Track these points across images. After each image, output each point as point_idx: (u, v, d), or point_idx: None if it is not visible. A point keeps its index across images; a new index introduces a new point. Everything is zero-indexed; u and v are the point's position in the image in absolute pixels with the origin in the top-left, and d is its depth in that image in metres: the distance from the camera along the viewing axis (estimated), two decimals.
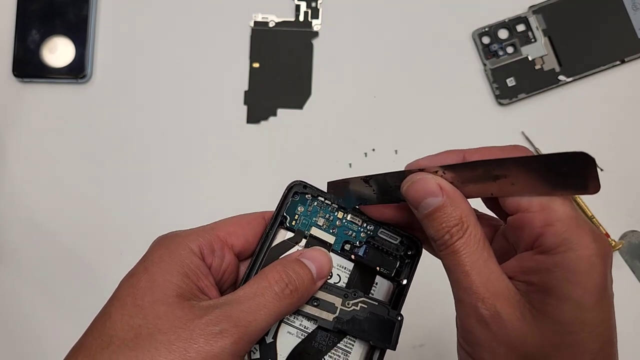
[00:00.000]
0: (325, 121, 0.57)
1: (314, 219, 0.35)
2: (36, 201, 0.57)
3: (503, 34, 0.57)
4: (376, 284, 0.34)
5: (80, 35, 0.57)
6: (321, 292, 0.33)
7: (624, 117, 0.56)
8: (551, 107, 0.56)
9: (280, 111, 0.57)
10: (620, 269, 0.54)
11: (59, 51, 0.57)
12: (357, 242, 0.34)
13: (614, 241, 0.54)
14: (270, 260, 0.33)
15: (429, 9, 0.58)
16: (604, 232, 0.54)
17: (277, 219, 0.34)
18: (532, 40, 0.56)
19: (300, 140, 0.57)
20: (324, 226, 0.35)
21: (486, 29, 0.57)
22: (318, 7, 0.58)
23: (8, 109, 0.58)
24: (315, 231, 0.34)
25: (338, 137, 0.57)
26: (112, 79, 0.58)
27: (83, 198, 0.57)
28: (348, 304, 0.33)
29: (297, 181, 0.35)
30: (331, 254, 0.34)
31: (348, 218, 0.35)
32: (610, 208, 0.55)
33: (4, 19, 0.58)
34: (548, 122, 0.56)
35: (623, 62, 0.56)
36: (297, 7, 0.58)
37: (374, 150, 0.56)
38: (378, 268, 0.34)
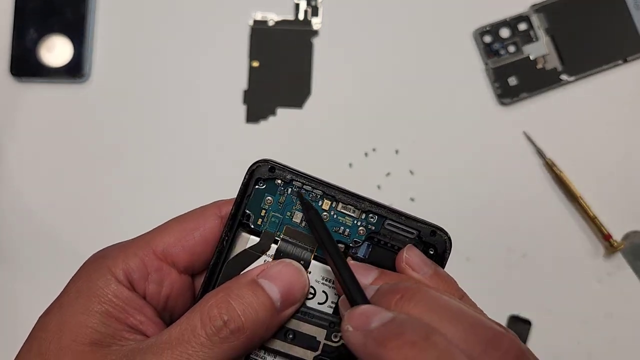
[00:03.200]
0: (325, 120, 0.57)
1: (288, 213, 0.26)
2: (34, 201, 0.56)
3: (504, 32, 0.56)
4: None
5: (78, 34, 0.57)
6: (296, 321, 0.25)
7: (626, 117, 0.56)
8: (553, 107, 0.56)
9: (279, 110, 0.57)
10: (622, 269, 0.54)
11: (56, 50, 0.57)
12: (354, 241, 0.26)
13: (616, 242, 0.54)
14: (226, 280, 0.25)
15: (429, 7, 0.57)
16: (606, 232, 0.53)
17: (236, 220, 0.26)
18: (534, 39, 0.56)
19: (300, 140, 0.56)
20: (303, 224, 0.26)
21: (487, 28, 0.56)
22: (318, 5, 0.57)
23: (5, 109, 0.57)
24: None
25: (338, 136, 0.56)
26: (110, 78, 0.58)
27: (81, 198, 0.56)
28: (335, 337, 0.25)
29: (261, 161, 0.27)
30: (313, 263, 0.26)
31: (338, 208, 0.26)
32: (613, 208, 0.55)
33: (2, 17, 0.58)
34: (550, 122, 0.56)
35: (625, 61, 0.56)
36: (297, 6, 0.57)
37: (374, 150, 0.56)
38: None
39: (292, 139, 0.56)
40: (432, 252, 0.26)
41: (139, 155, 0.57)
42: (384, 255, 0.26)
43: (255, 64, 0.57)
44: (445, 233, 0.26)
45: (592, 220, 0.54)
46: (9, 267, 0.56)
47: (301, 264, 0.26)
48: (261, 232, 0.26)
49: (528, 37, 0.56)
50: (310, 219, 0.25)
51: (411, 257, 0.25)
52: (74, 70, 0.56)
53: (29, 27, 0.57)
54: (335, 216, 0.26)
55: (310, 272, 0.26)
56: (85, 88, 0.57)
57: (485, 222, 0.55)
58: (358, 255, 0.26)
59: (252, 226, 0.26)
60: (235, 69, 0.57)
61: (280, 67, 0.57)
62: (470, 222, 0.55)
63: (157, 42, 0.58)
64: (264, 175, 0.26)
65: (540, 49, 0.56)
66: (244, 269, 0.25)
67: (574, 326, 0.54)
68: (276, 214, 0.26)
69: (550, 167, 0.55)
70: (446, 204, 0.55)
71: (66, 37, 0.57)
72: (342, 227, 0.26)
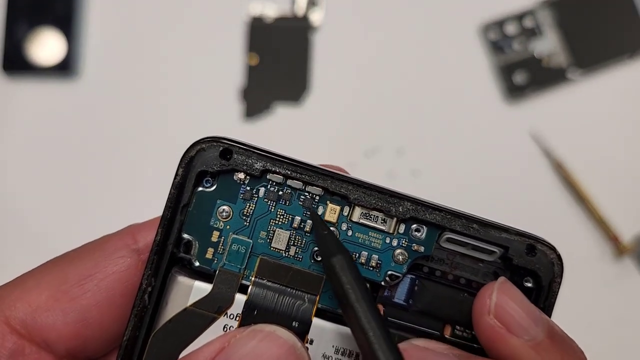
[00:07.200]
0: (325, 119, 0.56)
1: (263, 233, 0.15)
2: (26, 201, 0.55)
3: (511, 29, 0.55)
4: None
5: (71, 30, 0.56)
6: None
7: (635, 115, 0.55)
8: (560, 105, 0.55)
9: (278, 109, 0.56)
10: (631, 272, 0.53)
11: (49, 46, 0.56)
12: (387, 275, 0.15)
13: (624, 245, 0.52)
14: None
15: (434, 3, 0.56)
16: (614, 235, 0.52)
17: (164, 253, 0.16)
18: (541, 35, 0.55)
19: (298, 139, 0.55)
20: (293, 251, 0.15)
21: (493, 24, 0.55)
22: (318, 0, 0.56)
23: None
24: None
25: (338, 135, 0.55)
26: (103, 74, 0.57)
27: (73, 198, 0.55)
28: None
29: (205, 140, 0.16)
30: (317, 323, 0.15)
31: (355, 217, 0.15)
32: (621, 210, 0.53)
33: None
34: (557, 120, 0.55)
35: (632, 57, 0.55)
36: (295, 0, 0.56)
37: (375, 149, 0.55)
38: (448, 329, 0.16)
39: (290, 138, 0.55)
40: (528, 285, 0.17)
41: (132, 154, 0.56)
42: (442, 299, 0.15)
43: (254, 60, 0.56)
44: (552, 248, 0.17)
45: (600, 222, 0.52)
46: None
47: (294, 328, 0.14)
48: (214, 273, 0.15)
49: (534, 34, 0.55)
50: (329, 262, 0.14)
51: (506, 304, 0.14)
52: (67, 66, 0.56)
53: (22, 23, 0.56)
54: (350, 232, 0.14)
55: (311, 343, 0.15)
56: (77, 84, 0.57)
57: None
58: (396, 300, 0.15)
59: (197, 263, 0.16)
60: (232, 65, 0.56)
61: (279, 64, 0.56)
62: None
63: (151, 38, 0.57)
64: (212, 167, 0.16)
65: (547, 45, 0.55)
66: (186, 346, 0.14)
67: (580, 331, 0.53)
68: (240, 237, 0.15)
69: (557, 167, 0.53)
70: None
71: (59, 34, 0.56)
72: (365, 252, 0.15)
